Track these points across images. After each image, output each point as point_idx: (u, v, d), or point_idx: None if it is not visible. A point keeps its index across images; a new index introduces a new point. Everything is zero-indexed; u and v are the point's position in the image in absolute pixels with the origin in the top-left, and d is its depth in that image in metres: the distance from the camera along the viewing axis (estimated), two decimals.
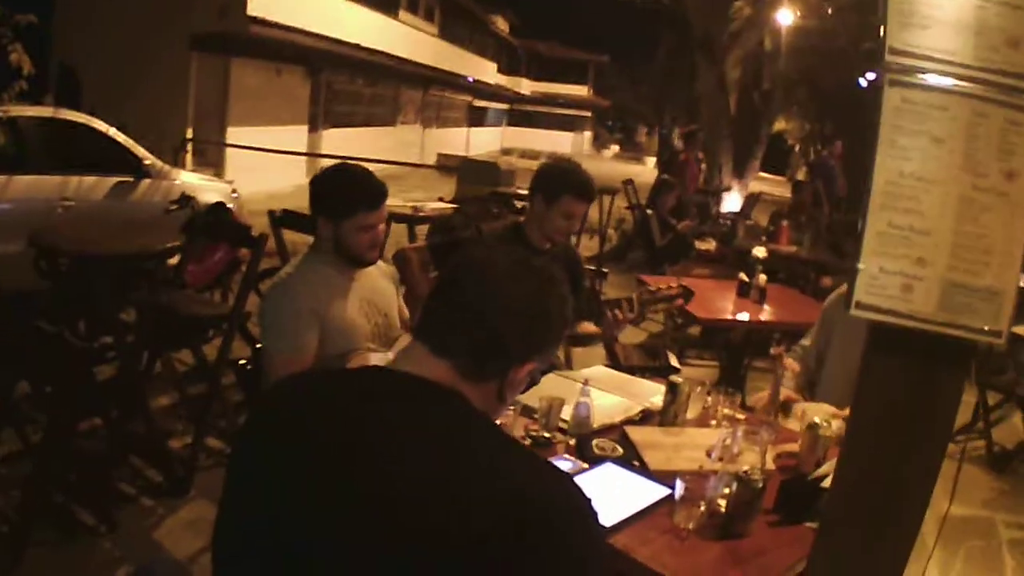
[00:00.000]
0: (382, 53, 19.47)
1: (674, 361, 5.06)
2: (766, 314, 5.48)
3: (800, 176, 36.90)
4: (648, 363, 5.11)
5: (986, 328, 1.58)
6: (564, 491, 1.38)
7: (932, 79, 1.53)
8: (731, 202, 15.02)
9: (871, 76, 9.95)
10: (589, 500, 1.40)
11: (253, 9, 13.29)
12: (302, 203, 3.55)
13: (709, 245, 9.86)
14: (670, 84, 20.83)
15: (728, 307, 5.54)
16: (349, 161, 3.26)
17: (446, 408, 1.45)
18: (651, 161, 36.54)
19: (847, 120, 14.28)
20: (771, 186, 19.54)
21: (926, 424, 1.67)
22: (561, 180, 3.62)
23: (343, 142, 19.17)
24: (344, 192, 3.03)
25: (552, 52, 43.59)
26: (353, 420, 1.41)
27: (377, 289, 3.23)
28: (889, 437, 1.70)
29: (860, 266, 1.61)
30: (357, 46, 17.74)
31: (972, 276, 1.56)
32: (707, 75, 15.35)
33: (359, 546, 1.30)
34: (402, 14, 22.10)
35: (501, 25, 36.44)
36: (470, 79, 29.91)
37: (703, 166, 14.24)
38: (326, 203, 3.04)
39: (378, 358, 2.96)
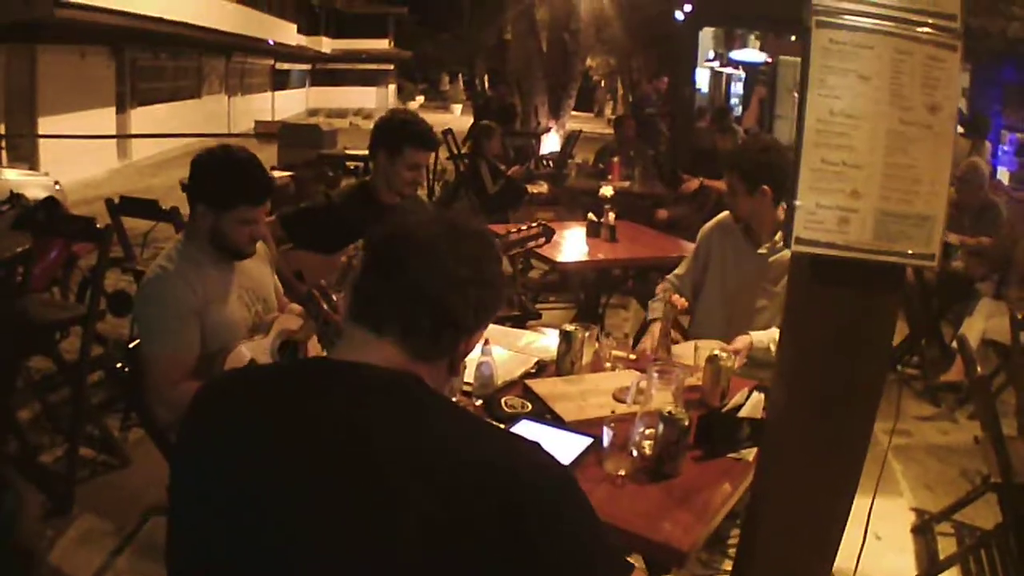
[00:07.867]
0: (185, 24, 18.61)
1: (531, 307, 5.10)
2: (621, 251, 5.59)
3: (608, 111, 37.73)
4: (508, 312, 5.13)
5: (920, 252, 1.67)
6: (547, 464, 1.36)
7: (857, 20, 1.58)
8: (550, 142, 15.16)
9: (688, 8, 10.18)
10: (567, 468, 1.40)
11: None
12: (118, 188, 3.34)
13: (541, 188, 9.85)
14: (478, 30, 20.82)
15: (582, 248, 5.58)
16: (230, 143, 3.03)
17: (408, 394, 1.39)
18: (458, 108, 36.54)
19: (660, 54, 14.58)
20: (580, 123, 19.81)
21: (868, 345, 1.76)
22: (401, 132, 3.66)
23: (152, 120, 18.51)
24: (228, 182, 2.80)
25: (350, 7, 42.66)
26: (320, 420, 1.35)
27: (255, 276, 3.06)
28: (834, 361, 1.78)
29: (797, 203, 1.66)
30: (160, 19, 16.88)
31: (904, 204, 1.64)
32: (517, 17, 15.39)
33: (350, 550, 1.26)
34: None
35: None
36: (271, 42, 29.00)
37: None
38: (207, 191, 2.80)
39: (251, 347, 2.85)
